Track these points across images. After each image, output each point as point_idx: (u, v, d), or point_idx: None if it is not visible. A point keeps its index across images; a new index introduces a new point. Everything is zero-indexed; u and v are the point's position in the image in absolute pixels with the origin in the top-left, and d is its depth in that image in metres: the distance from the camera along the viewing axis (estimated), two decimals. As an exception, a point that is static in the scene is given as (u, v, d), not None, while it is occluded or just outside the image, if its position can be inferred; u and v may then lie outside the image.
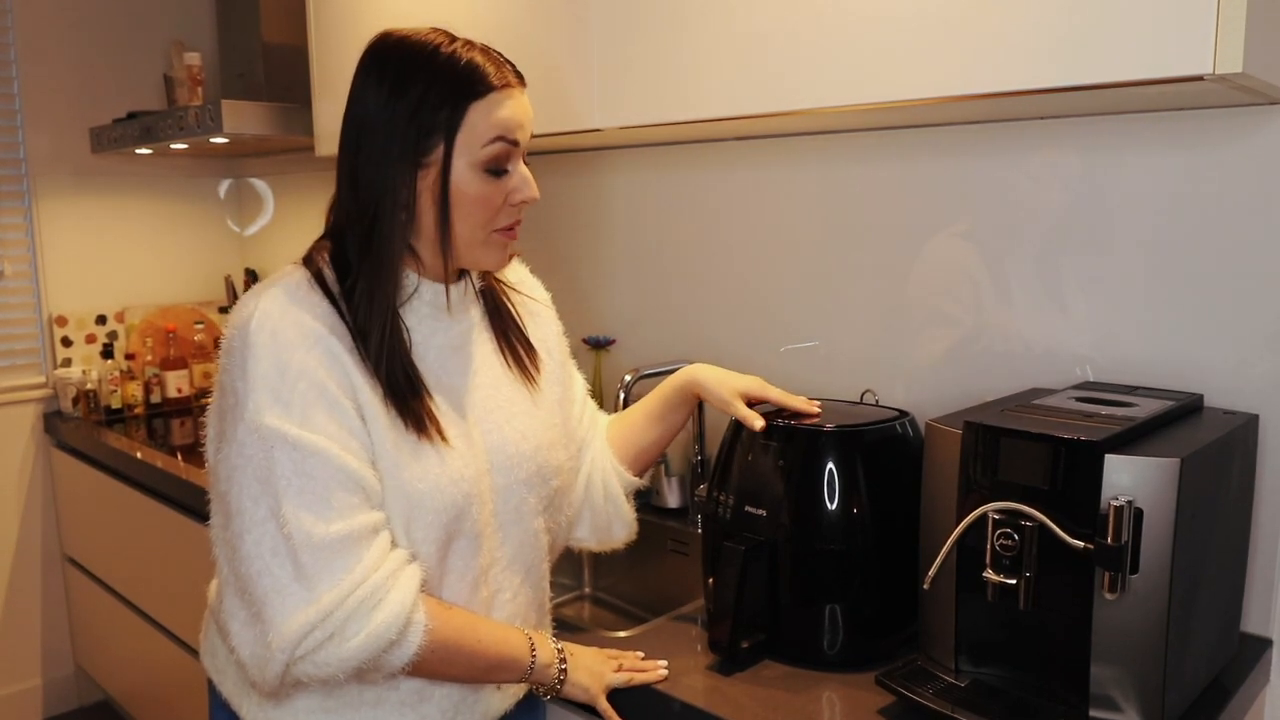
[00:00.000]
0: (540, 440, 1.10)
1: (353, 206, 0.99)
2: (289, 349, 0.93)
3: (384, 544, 0.95)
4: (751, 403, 1.23)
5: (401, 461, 0.97)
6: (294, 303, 0.95)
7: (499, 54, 1.01)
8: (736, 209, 1.69)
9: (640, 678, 1.11)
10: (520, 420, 1.09)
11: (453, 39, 0.99)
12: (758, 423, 1.19)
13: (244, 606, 0.94)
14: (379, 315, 0.98)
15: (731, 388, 1.22)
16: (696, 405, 1.28)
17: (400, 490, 0.97)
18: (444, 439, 1.00)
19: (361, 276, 0.98)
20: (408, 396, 0.98)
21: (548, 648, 1.08)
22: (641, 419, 1.28)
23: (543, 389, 1.14)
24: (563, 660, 1.08)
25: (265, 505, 0.91)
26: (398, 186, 0.97)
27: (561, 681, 1.08)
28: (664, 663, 1.14)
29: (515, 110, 0.99)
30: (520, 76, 1.02)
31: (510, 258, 1.10)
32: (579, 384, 1.27)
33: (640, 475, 1.28)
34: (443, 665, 0.99)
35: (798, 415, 1.22)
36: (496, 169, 0.99)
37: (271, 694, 1.00)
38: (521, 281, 1.20)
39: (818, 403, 1.25)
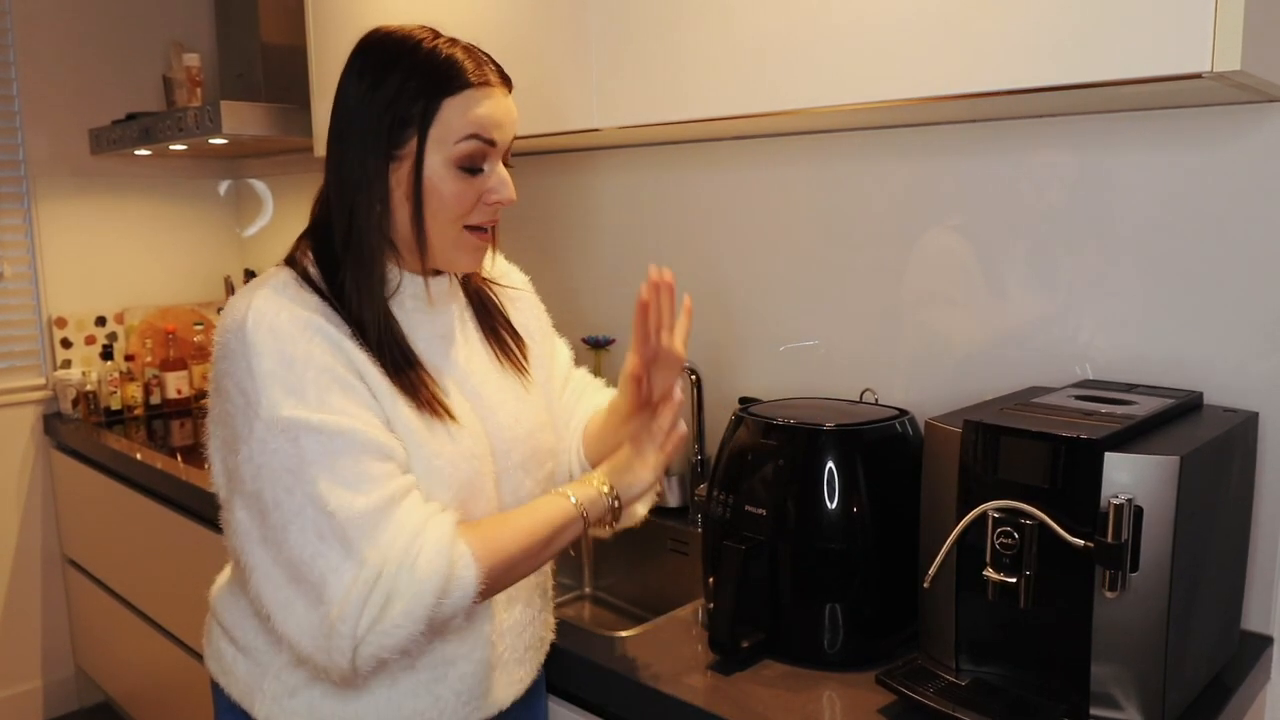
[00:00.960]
0: (532, 424, 1.11)
1: (336, 200, 1.00)
2: (290, 341, 0.93)
3: (414, 502, 0.94)
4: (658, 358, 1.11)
5: (419, 438, 0.97)
6: (286, 299, 0.96)
7: (484, 53, 1.01)
8: (735, 209, 1.69)
9: (673, 449, 1.08)
10: (511, 404, 1.09)
11: (437, 35, 0.99)
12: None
13: (301, 595, 0.91)
14: (371, 307, 0.98)
15: (624, 377, 1.13)
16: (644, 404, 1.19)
17: (421, 461, 0.97)
18: (453, 417, 1.01)
19: (348, 271, 0.99)
20: (413, 379, 0.99)
21: (588, 489, 1.05)
22: (601, 428, 1.22)
23: (530, 375, 1.15)
24: (610, 491, 1.05)
25: (300, 493, 0.90)
26: (373, 179, 0.97)
27: (618, 509, 1.06)
28: (682, 429, 1.09)
29: (493, 109, 0.99)
30: (504, 78, 1.01)
31: (487, 252, 1.07)
32: (562, 356, 1.26)
33: None
34: (508, 573, 0.98)
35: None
36: (471, 167, 0.99)
37: (345, 680, 0.96)
38: (502, 274, 1.21)
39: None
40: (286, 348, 0.92)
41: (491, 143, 0.99)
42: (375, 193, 0.98)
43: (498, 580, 0.97)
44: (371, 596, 0.89)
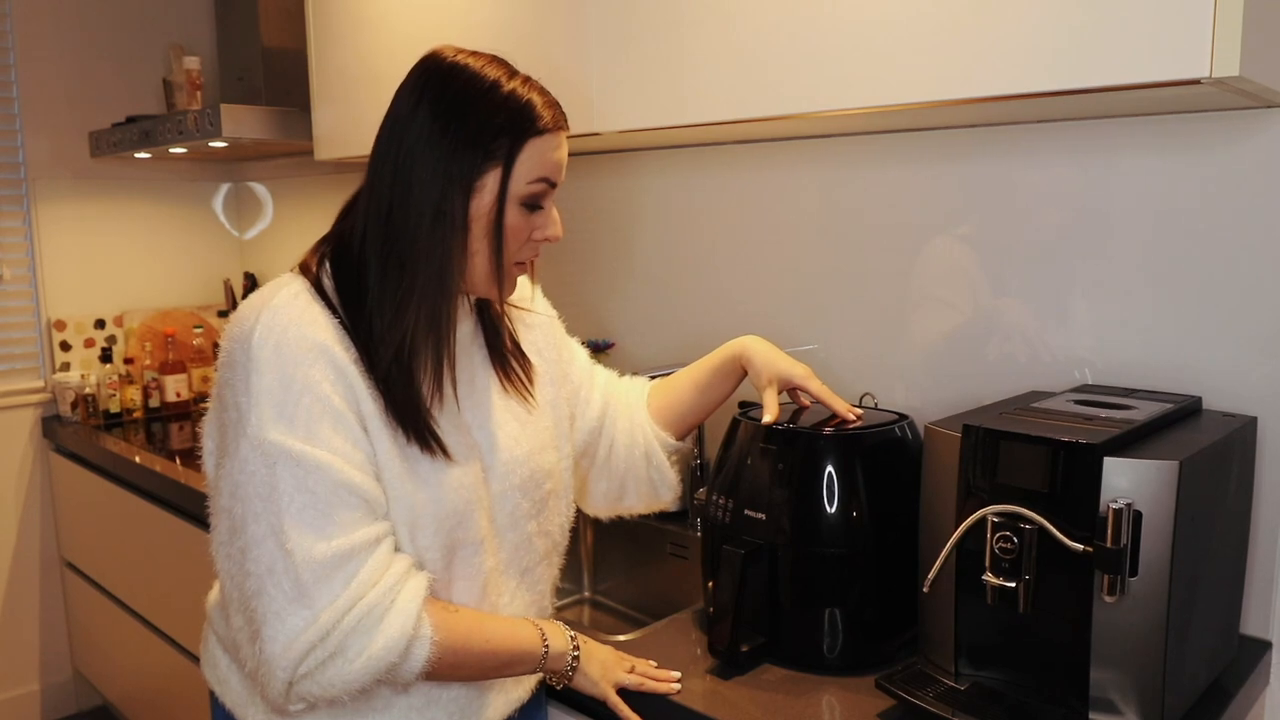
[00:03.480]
0: (531, 445, 1.11)
1: (402, 226, 0.98)
2: (293, 363, 0.92)
3: (383, 555, 0.94)
4: (792, 389, 1.25)
5: (404, 472, 0.97)
6: (297, 315, 0.95)
7: (552, 96, 1.03)
8: (735, 212, 1.69)
9: (651, 685, 1.11)
10: (511, 426, 1.09)
11: (513, 72, 1.00)
12: (768, 415, 1.20)
13: (247, 624, 0.93)
14: (426, 332, 0.98)
15: (775, 371, 1.24)
16: (742, 377, 1.30)
17: (403, 500, 0.97)
18: (445, 451, 1.00)
19: (414, 294, 0.97)
20: (410, 411, 0.98)
21: (561, 636, 1.09)
22: (688, 386, 1.31)
23: (535, 395, 1.15)
24: (576, 649, 1.09)
25: (266, 522, 0.90)
26: (454, 211, 0.97)
27: (573, 670, 1.08)
28: (677, 674, 1.14)
29: (562, 154, 1.02)
30: (567, 121, 1.04)
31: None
32: (580, 361, 1.28)
33: (682, 439, 1.31)
34: (453, 670, 0.99)
35: (835, 416, 1.22)
36: (533, 204, 1.01)
37: (279, 710, 0.99)
38: (525, 299, 1.21)
39: (860, 410, 1.24)
40: (287, 369, 0.92)
41: (554, 184, 1.02)
42: (457, 223, 0.98)
43: (441, 670, 0.97)
44: (315, 651, 0.90)
